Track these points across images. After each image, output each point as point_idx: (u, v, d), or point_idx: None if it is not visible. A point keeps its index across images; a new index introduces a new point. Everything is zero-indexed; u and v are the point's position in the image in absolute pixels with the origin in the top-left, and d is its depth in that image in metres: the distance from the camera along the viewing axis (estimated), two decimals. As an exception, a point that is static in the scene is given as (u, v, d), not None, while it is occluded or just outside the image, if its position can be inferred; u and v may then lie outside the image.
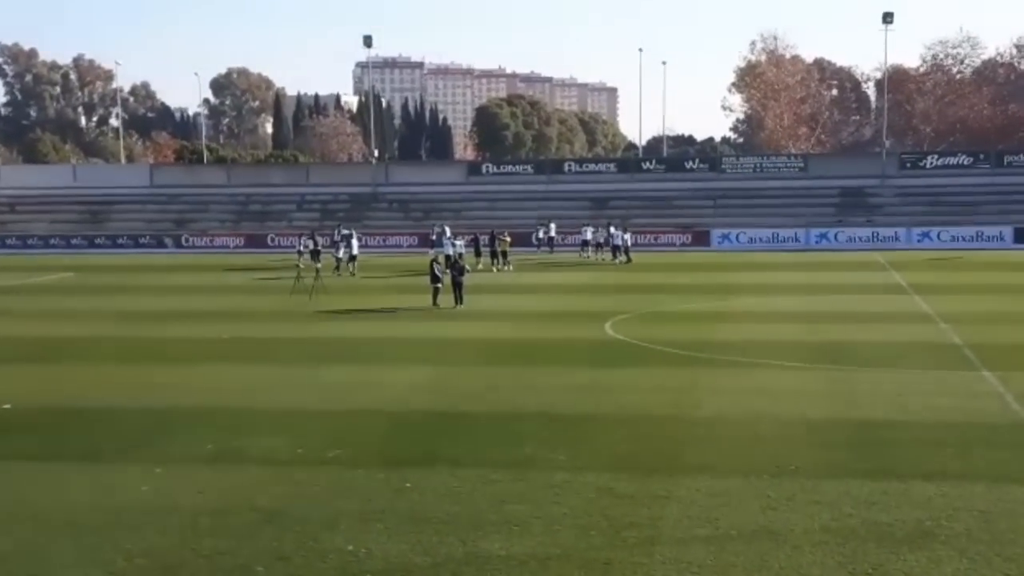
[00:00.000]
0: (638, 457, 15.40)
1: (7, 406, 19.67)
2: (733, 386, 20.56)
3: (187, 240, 66.12)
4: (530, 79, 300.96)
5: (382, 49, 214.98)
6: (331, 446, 16.22)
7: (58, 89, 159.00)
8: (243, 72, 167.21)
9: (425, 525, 12.50)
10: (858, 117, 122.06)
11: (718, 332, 27.56)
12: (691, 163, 75.82)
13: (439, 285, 33.88)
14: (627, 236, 51.46)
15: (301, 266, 40.65)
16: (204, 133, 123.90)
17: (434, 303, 33.52)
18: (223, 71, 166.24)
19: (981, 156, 69.37)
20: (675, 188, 68.68)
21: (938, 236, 58.73)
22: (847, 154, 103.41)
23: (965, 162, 68.33)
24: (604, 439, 16.55)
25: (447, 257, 40.72)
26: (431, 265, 34.76)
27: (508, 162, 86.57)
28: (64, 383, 21.99)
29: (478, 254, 48.66)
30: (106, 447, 16.55)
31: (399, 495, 13.74)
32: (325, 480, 14.47)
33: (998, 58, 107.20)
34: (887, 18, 71.44)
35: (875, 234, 59.92)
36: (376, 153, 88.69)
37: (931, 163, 69.36)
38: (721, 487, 13.79)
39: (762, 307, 33.51)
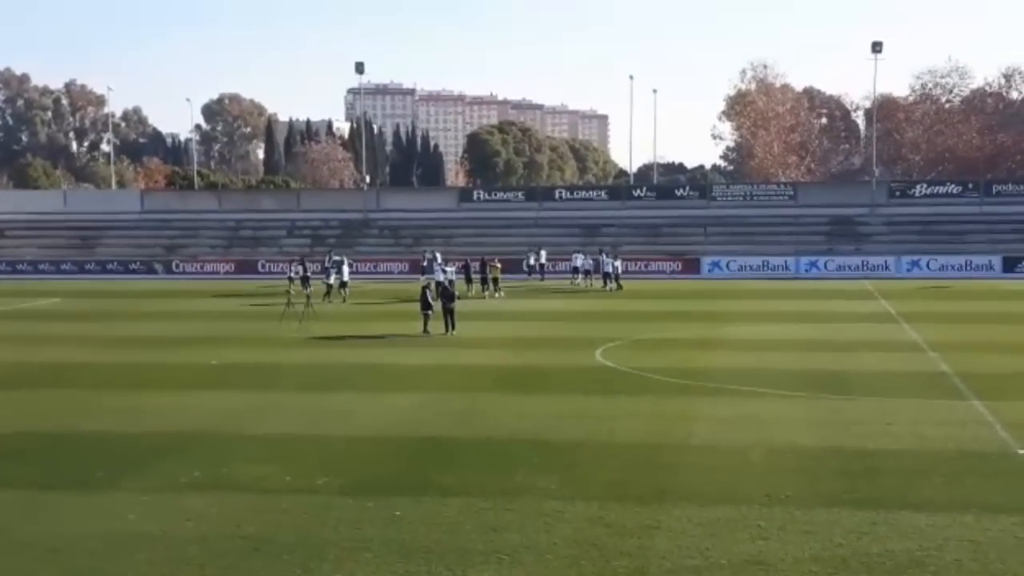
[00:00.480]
0: (629, 486, 15.36)
1: (-6, 432, 19.55)
2: (723, 414, 20.55)
3: (177, 266, 66.01)
4: (521, 106, 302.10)
5: (374, 75, 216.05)
6: (320, 473, 16.15)
7: (49, 114, 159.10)
8: (235, 98, 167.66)
9: (414, 554, 12.44)
10: (847, 146, 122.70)
11: (709, 360, 27.58)
12: (681, 191, 76.15)
13: (430, 312, 33.87)
14: (617, 263, 51.55)
15: (292, 292, 40.60)
16: (195, 159, 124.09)
17: (425, 330, 33.49)
18: (215, 97, 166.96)
19: (970, 185, 69.81)
20: (665, 216, 68.89)
21: (927, 265, 58.95)
22: (837, 182, 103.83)
23: (954, 191, 68.74)
24: (595, 467, 16.51)
25: (438, 284, 40.73)
26: (423, 292, 34.75)
27: (499, 189, 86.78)
28: (52, 409, 21.87)
29: (469, 281, 48.67)
30: (94, 474, 16.44)
31: (388, 524, 13.67)
32: (314, 508, 14.40)
33: (986, 88, 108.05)
34: (876, 47, 72.01)
35: (864, 262, 60.16)
36: (367, 179, 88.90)
37: (920, 192, 69.77)
38: (711, 516, 13.76)
39: (752, 335, 33.55)
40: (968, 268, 58.33)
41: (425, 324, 33.71)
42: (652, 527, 13.37)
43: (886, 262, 59.65)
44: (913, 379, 24.47)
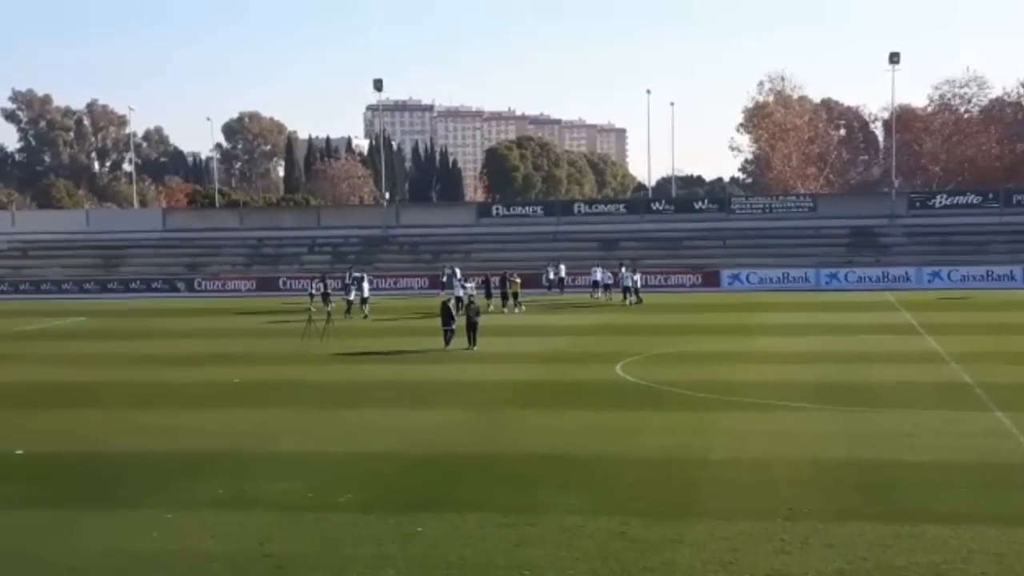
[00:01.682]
0: (650, 500, 15.36)
1: (19, 452, 19.73)
2: (745, 428, 20.52)
3: (199, 284, 66.38)
4: (539, 121, 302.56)
5: (392, 92, 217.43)
6: (343, 490, 16.21)
7: (72, 135, 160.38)
8: (255, 116, 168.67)
9: (436, 570, 12.48)
10: (866, 157, 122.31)
11: (729, 373, 27.52)
12: (700, 203, 76.06)
13: (452, 328, 33.93)
14: (637, 277, 51.53)
15: (312, 309, 40.77)
16: (216, 177, 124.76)
17: (447, 346, 33.57)
18: (235, 116, 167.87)
19: (990, 195, 69.44)
20: (685, 229, 68.86)
21: (948, 275, 58.64)
22: (856, 194, 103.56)
23: (974, 201, 68.41)
24: (616, 482, 16.51)
25: (458, 299, 40.81)
26: (444, 307, 34.80)
27: (518, 203, 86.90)
28: (76, 428, 22.03)
29: (489, 296, 48.75)
30: (118, 492, 16.55)
31: (410, 540, 13.72)
32: (336, 525, 14.46)
33: (1005, 97, 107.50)
34: (894, 58, 71.80)
35: (885, 274, 59.88)
36: (387, 195, 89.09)
37: (940, 202, 69.46)
38: (734, 530, 13.74)
39: (773, 348, 33.46)
40: (989, 278, 57.99)
41: (447, 339, 33.79)
42: (675, 541, 13.36)
43: (906, 273, 59.36)
44: (935, 390, 24.36)
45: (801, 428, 20.35)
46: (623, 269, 52.84)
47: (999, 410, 21.54)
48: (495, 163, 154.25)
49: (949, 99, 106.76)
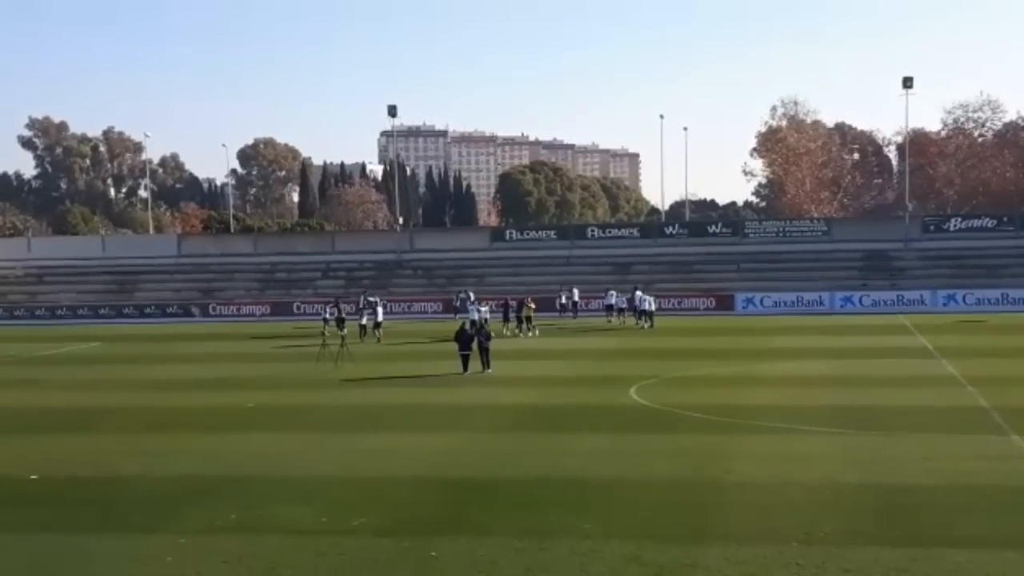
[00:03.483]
0: (665, 524, 15.29)
1: (34, 477, 19.78)
2: (760, 452, 20.42)
3: (214, 309, 66.52)
4: (552, 146, 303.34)
5: (406, 118, 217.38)
6: (356, 515, 16.19)
7: (88, 161, 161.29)
8: (270, 142, 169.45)
9: (450, 594, 12.42)
10: (880, 181, 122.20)
11: (744, 397, 27.43)
12: (714, 227, 75.86)
13: (469, 352, 33.92)
14: (649, 299, 51.48)
15: (326, 333, 40.82)
16: (231, 203, 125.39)
17: (464, 370, 33.57)
18: (250, 142, 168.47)
19: (1004, 219, 69.16)
20: (698, 252, 68.76)
21: (963, 299, 58.35)
22: (870, 218, 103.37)
23: (988, 225, 68.16)
24: (630, 506, 16.45)
25: (472, 323, 40.84)
26: (461, 331, 34.74)
27: (531, 228, 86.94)
28: (90, 453, 22.09)
29: (506, 319, 48.74)
30: (131, 517, 16.57)
31: (424, 564, 13.68)
32: (350, 549, 14.43)
33: (1019, 121, 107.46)
34: (907, 83, 71.80)
35: (900, 297, 59.63)
36: (401, 220, 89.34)
37: (954, 226, 69.21)
38: (749, 555, 13.66)
39: (788, 371, 33.32)
40: (1005, 302, 57.68)
41: (465, 364, 33.79)
42: (689, 566, 13.29)
43: (921, 296, 59.10)
44: (951, 414, 24.23)
45: (816, 452, 20.25)
46: (638, 292, 52.78)
47: (1016, 434, 21.41)
48: (508, 188, 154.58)
49: (963, 123, 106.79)
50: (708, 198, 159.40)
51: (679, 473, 18.64)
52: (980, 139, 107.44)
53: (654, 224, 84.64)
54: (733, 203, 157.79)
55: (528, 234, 77.04)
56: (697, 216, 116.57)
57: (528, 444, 21.75)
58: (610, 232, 76.99)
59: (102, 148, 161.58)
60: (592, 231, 77.13)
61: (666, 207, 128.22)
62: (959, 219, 72.16)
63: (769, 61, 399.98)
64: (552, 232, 77.99)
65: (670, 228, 75.98)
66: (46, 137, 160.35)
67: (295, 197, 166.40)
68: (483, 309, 45.73)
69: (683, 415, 24.83)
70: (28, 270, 74.62)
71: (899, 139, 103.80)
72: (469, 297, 50.85)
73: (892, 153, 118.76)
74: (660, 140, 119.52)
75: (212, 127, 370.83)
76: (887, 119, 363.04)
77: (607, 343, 44.12)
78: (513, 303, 49.65)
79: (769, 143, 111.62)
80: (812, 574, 12.86)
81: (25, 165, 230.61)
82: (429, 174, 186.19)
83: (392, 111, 77.44)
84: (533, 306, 48.94)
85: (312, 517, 16.17)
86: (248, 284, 70.92)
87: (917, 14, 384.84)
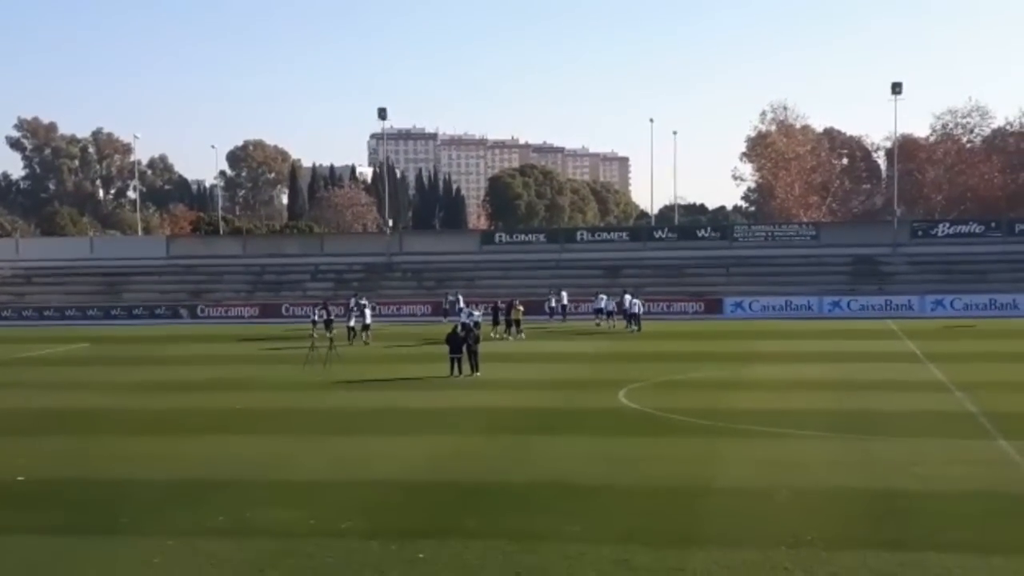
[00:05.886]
0: (653, 528, 15.30)
1: (21, 478, 19.70)
2: (748, 456, 20.45)
3: (202, 310, 66.39)
4: (542, 149, 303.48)
5: (396, 121, 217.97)
6: (344, 517, 16.16)
7: (76, 162, 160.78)
8: (259, 144, 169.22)
9: (438, 598, 12.40)
10: (869, 186, 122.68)
11: (733, 401, 27.47)
12: (703, 231, 76.03)
13: (459, 355, 33.86)
14: (638, 303, 51.54)
15: (315, 336, 40.77)
16: (220, 204, 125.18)
17: (453, 372, 33.51)
18: (239, 143, 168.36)
19: (992, 224, 69.52)
20: (687, 256, 68.88)
21: (951, 304, 58.56)
22: (858, 222, 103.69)
23: (976, 230, 68.47)
24: (619, 510, 16.45)
25: (462, 326, 40.79)
26: (452, 334, 34.67)
27: (521, 231, 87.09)
28: (77, 454, 22.00)
29: (496, 322, 48.76)
30: (119, 519, 16.50)
31: (412, 567, 13.66)
32: (338, 552, 14.40)
33: (1007, 127, 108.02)
34: (896, 88, 72.15)
35: (888, 302, 59.85)
36: (390, 223, 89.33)
37: (942, 231, 69.50)
38: (737, 559, 13.67)
39: (776, 375, 33.39)
40: (992, 307, 57.92)
41: (452, 367, 33.74)
42: (677, 570, 13.30)
43: (909, 301, 59.31)
44: (939, 419, 24.30)
45: (805, 456, 20.28)
46: (627, 296, 52.84)
47: (1003, 439, 21.48)
48: (498, 191, 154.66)
49: (951, 129, 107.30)
50: (697, 202, 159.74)
51: (668, 477, 18.65)
52: (968, 145, 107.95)
53: (643, 228, 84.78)
54: (722, 207, 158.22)
55: (518, 237, 77.16)
56: (686, 220, 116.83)
57: (516, 447, 21.74)
58: (599, 236, 77.16)
59: (91, 149, 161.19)
60: (581, 235, 77.26)
61: (655, 211, 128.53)
62: (947, 224, 72.45)
63: (759, 66, 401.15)
64: (542, 235, 78.03)
65: (659, 232, 76.16)
66: (35, 138, 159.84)
67: (284, 199, 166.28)
68: (476, 314, 45.71)
69: (672, 419, 24.85)
70: (16, 271, 74.35)
71: (888, 144, 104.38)
72: (458, 300, 50.80)
73: (881, 158, 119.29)
74: (650, 144, 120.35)
75: (201, 129, 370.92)
76: (876, 124, 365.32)
77: (596, 347, 44.13)
78: (502, 306, 49.70)
79: (758, 148, 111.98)
80: (800, 578, 12.87)
81: (13, 166, 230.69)
82: (419, 177, 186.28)
83: (382, 114, 77.47)
84: (521, 309, 48.96)
85: (300, 520, 16.13)
86: (237, 286, 70.77)
87: (906, 20, 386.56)
